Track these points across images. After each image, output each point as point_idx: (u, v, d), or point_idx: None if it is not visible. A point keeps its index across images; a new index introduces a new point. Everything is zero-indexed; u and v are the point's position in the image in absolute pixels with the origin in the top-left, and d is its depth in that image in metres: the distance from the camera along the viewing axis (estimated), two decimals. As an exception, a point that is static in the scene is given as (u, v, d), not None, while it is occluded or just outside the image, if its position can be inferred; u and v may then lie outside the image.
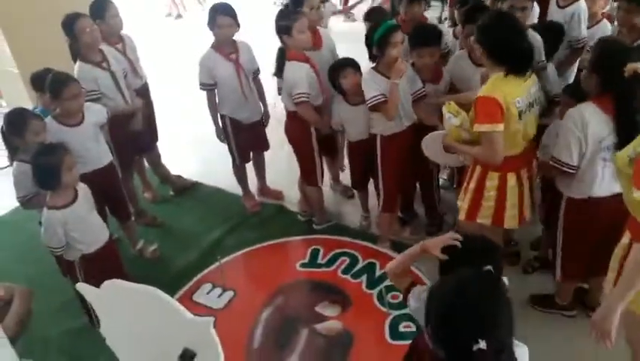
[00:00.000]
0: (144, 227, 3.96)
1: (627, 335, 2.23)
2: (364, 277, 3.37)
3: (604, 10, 3.95)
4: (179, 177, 4.48)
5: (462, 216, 2.84)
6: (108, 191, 3.38)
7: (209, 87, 3.71)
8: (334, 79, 3.36)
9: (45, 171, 2.72)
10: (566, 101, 2.75)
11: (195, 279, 3.49)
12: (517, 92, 2.47)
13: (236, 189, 4.21)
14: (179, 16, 10.02)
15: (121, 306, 1.72)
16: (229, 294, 3.36)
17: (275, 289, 3.36)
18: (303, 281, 3.43)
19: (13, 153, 3.03)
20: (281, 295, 3.33)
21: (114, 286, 1.69)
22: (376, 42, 3.02)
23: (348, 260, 3.52)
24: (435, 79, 3.33)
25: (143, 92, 4.02)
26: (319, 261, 3.55)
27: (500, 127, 2.45)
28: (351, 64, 3.33)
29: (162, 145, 4.39)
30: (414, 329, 2.90)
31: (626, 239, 2.07)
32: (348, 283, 3.35)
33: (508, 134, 2.50)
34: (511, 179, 2.65)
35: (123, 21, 3.80)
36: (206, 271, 3.54)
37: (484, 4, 3.48)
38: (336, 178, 4.24)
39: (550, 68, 3.28)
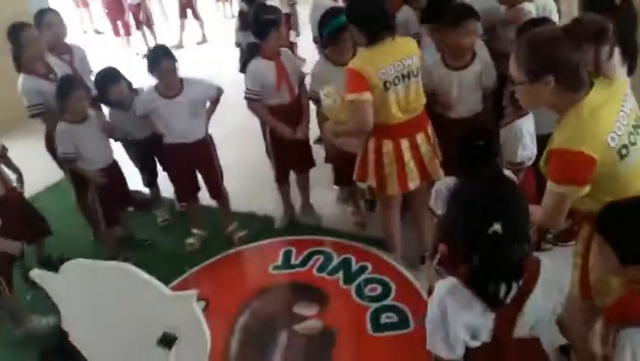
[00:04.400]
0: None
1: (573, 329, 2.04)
2: (340, 274, 3.26)
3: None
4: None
5: (355, 176, 2.92)
6: (202, 164, 3.56)
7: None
8: None
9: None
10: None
11: (163, 292, 3.28)
12: (381, 64, 2.56)
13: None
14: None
15: (86, 291, 1.53)
16: (201, 305, 3.16)
17: (249, 294, 3.21)
18: (278, 284, 3.29)
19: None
20: (256, 300, 3.17)
21: (76, 266, 1.51)
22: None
23: (322, 258, 3.41)
24: None
25: (93, 103, 3.83)
26: (292, 262, 3.42)
27: (365, 95, 2.55)
28: None
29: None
30: (395, 319, 2.87)
31: (584, 233, 1.94)
32: (325, 280, 3.24)
33: (376, 104, 2.59)
34: (387, 145, 2.72)
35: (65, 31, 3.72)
36: (174, 282, 3.33)
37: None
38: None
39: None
